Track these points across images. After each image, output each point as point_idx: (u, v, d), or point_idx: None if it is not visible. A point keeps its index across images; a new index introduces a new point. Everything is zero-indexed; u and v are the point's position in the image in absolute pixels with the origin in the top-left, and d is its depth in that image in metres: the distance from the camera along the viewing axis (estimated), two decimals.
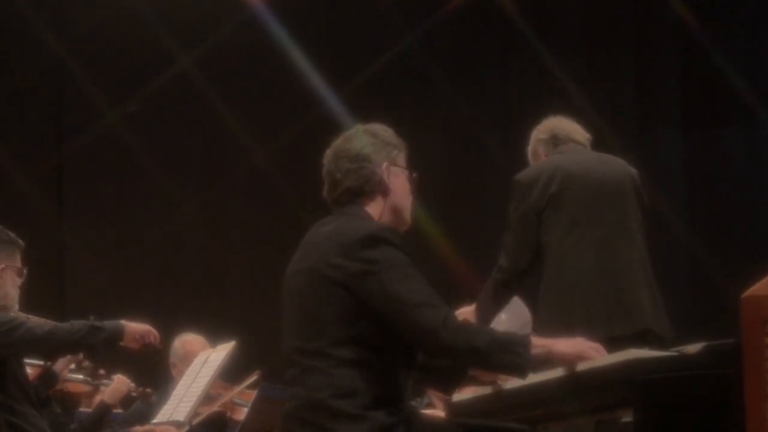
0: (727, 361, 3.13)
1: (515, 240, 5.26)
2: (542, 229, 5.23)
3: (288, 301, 3.74)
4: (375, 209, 3.78)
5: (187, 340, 7.23)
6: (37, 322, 5.45)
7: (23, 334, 5.23)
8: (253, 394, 6.59)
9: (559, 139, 5.49)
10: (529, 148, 5.63)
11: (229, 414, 6.81)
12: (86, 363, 6.51)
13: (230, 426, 6.85)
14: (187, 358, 7.02)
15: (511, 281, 5.28)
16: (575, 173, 5.27)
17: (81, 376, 6.60)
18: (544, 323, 5.12)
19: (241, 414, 6.71)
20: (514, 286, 5.32)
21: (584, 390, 3.42)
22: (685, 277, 9.93)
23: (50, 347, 5.44)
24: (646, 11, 10.15)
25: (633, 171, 5.44)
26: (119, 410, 6.97)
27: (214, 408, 6.55)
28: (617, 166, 5.45)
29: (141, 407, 6.96)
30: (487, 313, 5.32)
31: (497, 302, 5.35)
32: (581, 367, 3.48)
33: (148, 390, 6.88)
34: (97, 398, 6.75)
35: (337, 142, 3.86)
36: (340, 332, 3.54)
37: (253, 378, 6.40)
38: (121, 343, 5.43)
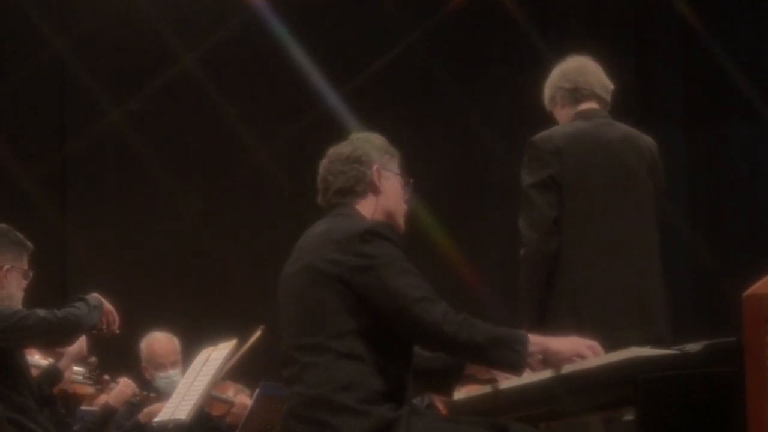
0: (729, 360, 3.12)
1: (538, 211, 4.76)
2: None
3: (284, 302, 3.74)
4: (366, 209, 3.80)
5: (151, 340, 7.12)
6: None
7: (35, 323, 5.22)
8: (231, 385, 6.59)
9: (581, 95, 5.11)
10: (547, 92, 5.19)
11: (206, 409, 6.71)
12: (92, 359, 6.49)
13: (211, 419, 6.78)
14: (152, 359, 7.00)
15: (544, 256, 4.72)
16: (597, 154, 4.87)
17: (85, 378, 6.58)
18: (554, 322, 4.72)
19: (219, 409, 6.70)
20: (550, 261, 4.74)
21: (585, 388, 3.41)
22: (686, 276, 9.92)
23: (67, 333, 5.41)
24: (648, 9, 10.15)
25: (653, 146, 5.03)
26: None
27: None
28: (642, 145, 5.01)
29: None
30: (533, 305, 4.80)
31: (540, 285, 4.77)
32: (582, 365, 3.48)
33: (153, 394, 6.86)
34: (102, 398, 6.74)
35: (330, 150, 3.89)
36: (339, 325, 3.55)
37: (257, 334, 6.36)
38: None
